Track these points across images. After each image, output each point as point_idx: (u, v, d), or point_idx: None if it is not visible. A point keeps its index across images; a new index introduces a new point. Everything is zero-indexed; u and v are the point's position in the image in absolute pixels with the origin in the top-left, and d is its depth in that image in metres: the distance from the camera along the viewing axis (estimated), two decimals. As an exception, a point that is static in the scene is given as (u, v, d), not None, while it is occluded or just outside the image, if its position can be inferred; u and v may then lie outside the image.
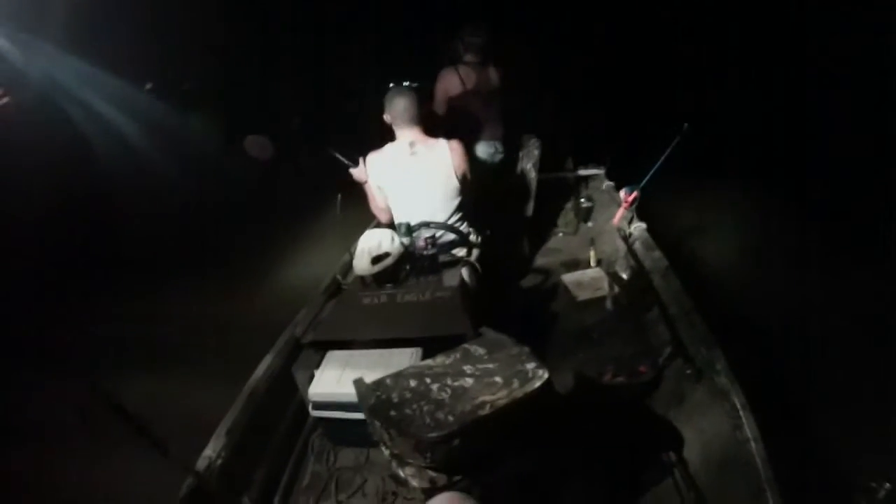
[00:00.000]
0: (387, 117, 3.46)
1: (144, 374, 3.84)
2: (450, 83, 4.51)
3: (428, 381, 2.06)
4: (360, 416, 2.39)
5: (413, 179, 3.44)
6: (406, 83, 3.45)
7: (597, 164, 5.48)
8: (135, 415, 1.85)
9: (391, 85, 3.44)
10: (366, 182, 3.60)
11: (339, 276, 3.81)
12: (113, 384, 1.81)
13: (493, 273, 3.69)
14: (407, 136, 3.43)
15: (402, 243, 3.12)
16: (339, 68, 7.43)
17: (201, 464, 2.42)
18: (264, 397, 2.89)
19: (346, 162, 3.59)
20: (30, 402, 3.98)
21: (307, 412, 2.97)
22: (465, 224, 3.62)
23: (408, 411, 1.91)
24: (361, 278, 3.13)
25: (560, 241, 5.29)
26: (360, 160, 3.57)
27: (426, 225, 3.40)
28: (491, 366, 2.10)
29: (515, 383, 1.95)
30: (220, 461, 2.48)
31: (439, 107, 4.59)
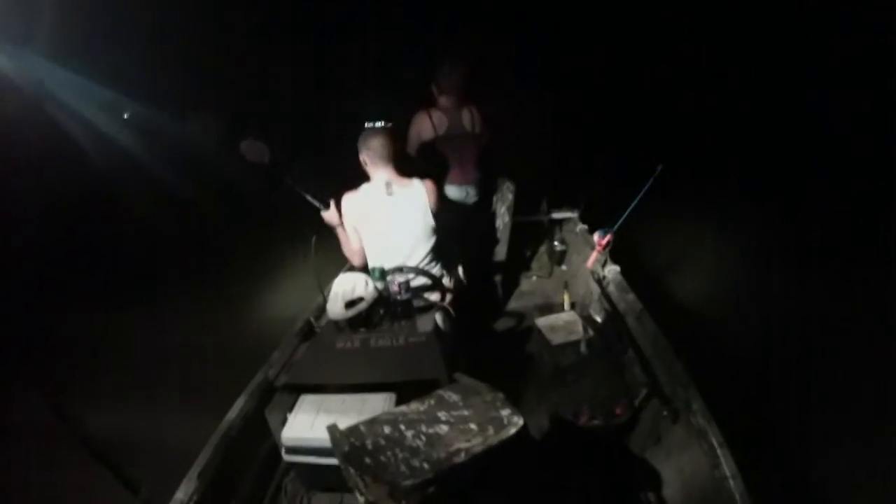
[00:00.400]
0: (362, 157, 3.49)
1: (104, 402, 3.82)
2: (422, 127, 4.51)
3: (402, 427, 2.04)
4: (333, 461, 2.35)
5: (389, 220, 3.45)
6: (380, 123, 3.49)
7: (570, 207, 5.52)
8: (104, 449, 1.83)
9: (366, 125, 3.47)
10: (338, 225, 3.60)
11: (312, 319, 3.80)
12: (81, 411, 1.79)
13: (467, 317, 3.69)
14: (382, 175, 3.46)
15: (375, 288, 3.11)
16: (316, 101, 7.46)
17: None
18: (237, 440, 2.87)
19: (317, 203, 3.59)
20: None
21: (280, 455, 2.92)
22: (438, 267, 3.64)
23: (382, 458, 1.89)
24: (335, 322, 3.12)
25: (534, 284, 5.32)
26: (331, 202, 3.58)
27: (400, 270, 3.40)
28: (466, 412, 2.09)
29: (490, 430, 1.94)
30: None
31: (412, 149, 4.59)
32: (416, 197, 3.49)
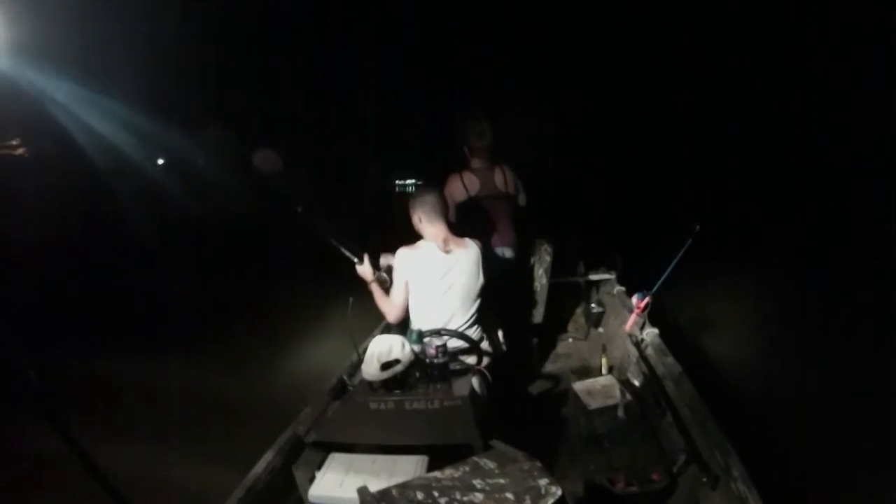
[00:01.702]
0: (416, 217, 3.52)
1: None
2: (454, 190, 4.54)
3: (436, 494, 1.99)
4: (361, 523, 2.31)
5: (445, 279, 3.44)
6: (411, 181, 3.52)
7: (608, 269, 5.47)
8: (118, 486, 1.80)
9: (397, 182, 3.50)
10: (372, 281, 3.59)
11: (345, 377, 3.76)
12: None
13: (504, 380, 3.64)
14: (438, 233, 3.47)
15: (412, 350, 3.08)
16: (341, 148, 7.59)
17: None
18: (262, 494, 2.81)
19: (351, 257, 3.59)
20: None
21: None
22: (478, 330, 3.60)
23: (414, 526, 1.84)
24: (369, 382, 3.08)
25: (570, 346, 5.26)
26: (365, 256, 3.58)
27: (438, 333, 3.36)
28: (502, 481, 2.03)
29: (528, 500, 1.88)
30: None
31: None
32: (472, 256, 3.50)
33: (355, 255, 3.63)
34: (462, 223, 4.50)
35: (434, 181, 4.38)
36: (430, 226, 3.49)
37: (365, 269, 3.61)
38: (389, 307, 3.59)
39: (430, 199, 3.47)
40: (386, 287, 3.62)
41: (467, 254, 3.49)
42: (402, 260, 3.47)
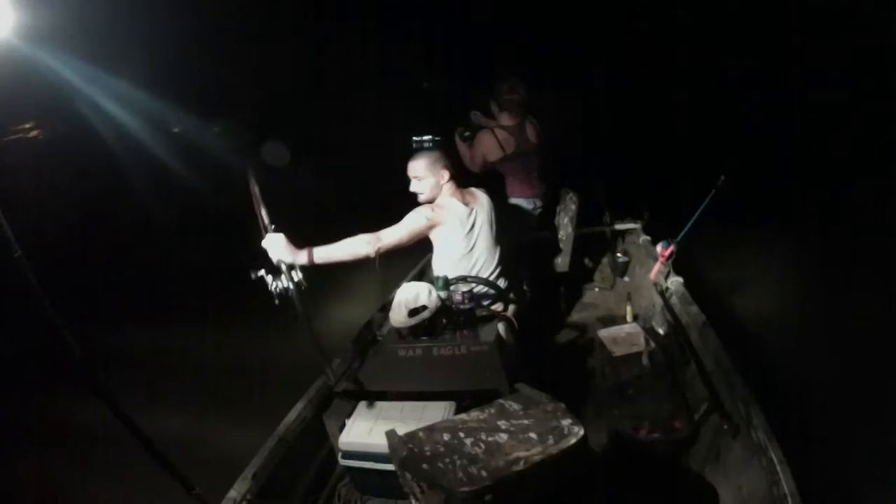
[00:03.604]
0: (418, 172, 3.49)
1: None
2: (488, 148, 4.52)
3: (461, 435, 2.04)
4: (390, 466, 2.36)
5: (470, 232, 3.44)
6: (428, 137, 3.48)
7: (633, 218, 5.45)
8: (160, 447, 1.86)
9: (413, 138, 3.46)
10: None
11: (374, 327, 3.81)
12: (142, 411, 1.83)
13: (529, 328, 3.67)
14: (448, 189, 3.46)
15: (439, 297, 3.11)
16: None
17: None
18: (293, 443, 2.88)
19: (264, 223, 2.96)
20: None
21: (335, 460, 2.97)
22: (503, 278, 3.62)
23: (440, 465, 1.90)
24: (397, 330, 3.12)
25: (596, 295, 5.26)
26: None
27: (464, 279, 3.39)
28: (526, 422, 2.08)
29: (551, 440, 1.93)
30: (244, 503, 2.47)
31: (476, 167, 4.59)
32: (485, 206, 3.52)
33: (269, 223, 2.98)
34: (492, 177, 4.50)
35: (448, 137, 4.36)
36: (444, 181, 3.47)
37: (273, 243, 2.94)
38: (374, 237, 3.21)
39: (439, 155, 3.46)
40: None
41: (482, 204, 3.51)
42: (424, 212, 3.37)
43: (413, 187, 3.47)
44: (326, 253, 3.11)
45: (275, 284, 2.69)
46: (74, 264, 6.43)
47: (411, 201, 3.43)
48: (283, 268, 2.75)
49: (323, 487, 3.10)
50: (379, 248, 3.16)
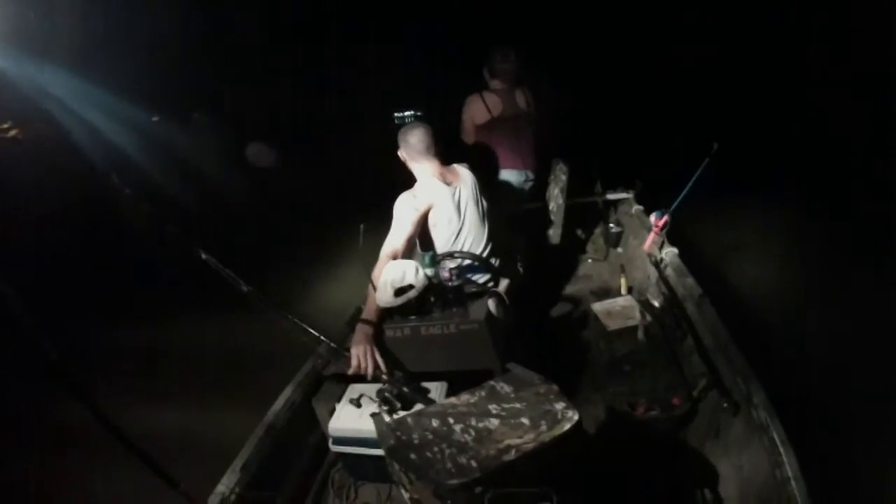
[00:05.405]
0: (402, 153, 3.43)
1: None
2: (476, 111, 4.45)
3: (451, 421, 1.97)
4: (381, 452, 2.30)
5: (455, 212, 3.36)
6: (409, 112, 3.40)
7: (626, 188, 5.37)
8: (141, 442, 1.79)
9: (395, 115, 3.39)
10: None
11: (361, 307, 3.74)
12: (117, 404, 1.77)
13: (521, 303, 3.60)
14: (434, 168, 3.39)
15: (426, 274, 3.03)
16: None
17: (213, 501, 2.34)
18: (283, 430, 2.83)
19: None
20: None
21: (328, 446, 2.88)
22: (494, 256, 3.55)
23: (428, 454, 1.83)
24: (385, 310, 3.04)
25: (589, 267, 5.19)
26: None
27: (450, 255, 3.32)
28: (518, 405, 2.01)
29: (543, 425, 1.86)
30: (233, 497, 2.40)
31: (467, 136, 4.53)
32: (469, 182, 3.45)
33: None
34: (481, 145, 4.43)
35: (432, 112, 4.29)
36: (425, 161, 3.40)
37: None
38: (388, 254, 3.18)
39: (421, 133, 3.36)
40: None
41: (464, 181, 3.44)
42: (424, 196, 3.33)
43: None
44: (373, 311, 2.96)
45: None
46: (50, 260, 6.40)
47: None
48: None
49: (315, 474, 3.05)
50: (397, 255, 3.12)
